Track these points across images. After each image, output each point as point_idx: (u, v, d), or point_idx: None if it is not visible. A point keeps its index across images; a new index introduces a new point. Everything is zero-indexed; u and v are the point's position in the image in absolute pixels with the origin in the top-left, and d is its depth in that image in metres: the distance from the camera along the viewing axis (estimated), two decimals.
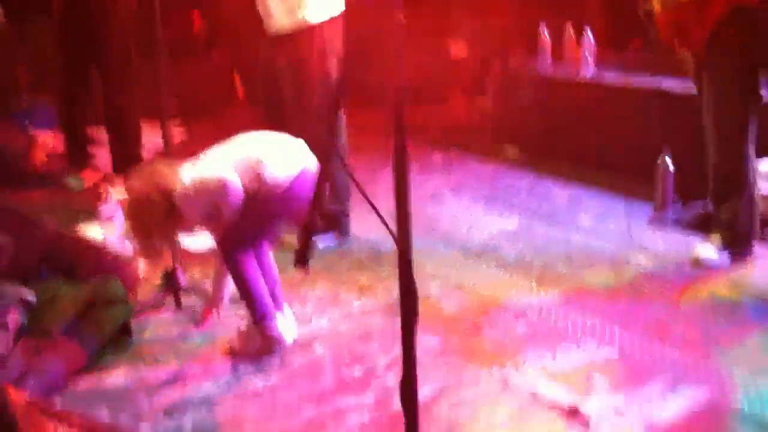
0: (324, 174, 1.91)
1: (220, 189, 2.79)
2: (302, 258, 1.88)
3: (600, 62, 5.21)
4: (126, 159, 5.08)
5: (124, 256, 3.47)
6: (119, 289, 3.13)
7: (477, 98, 7.24)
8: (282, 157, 2.92)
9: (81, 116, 5.30)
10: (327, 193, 3.72)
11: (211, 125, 6.42)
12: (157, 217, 2.81)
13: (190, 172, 2.87)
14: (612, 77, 5.04)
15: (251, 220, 2.90)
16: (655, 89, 4.67)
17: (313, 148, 3.99)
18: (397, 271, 1.71)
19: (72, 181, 5.19)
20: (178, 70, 5.98)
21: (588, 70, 5.15)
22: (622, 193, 4.62)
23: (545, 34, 5.44)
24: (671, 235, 4.06)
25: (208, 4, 7.27)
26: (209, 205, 2.84)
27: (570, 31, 5.38)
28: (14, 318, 2.92)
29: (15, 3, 6.81)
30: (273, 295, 3.07)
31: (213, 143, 3.01)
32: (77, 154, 5.35)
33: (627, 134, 4.79)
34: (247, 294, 2.97)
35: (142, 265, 3.44)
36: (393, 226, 1.74)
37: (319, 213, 1.86)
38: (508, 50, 6.07)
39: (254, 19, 4.04)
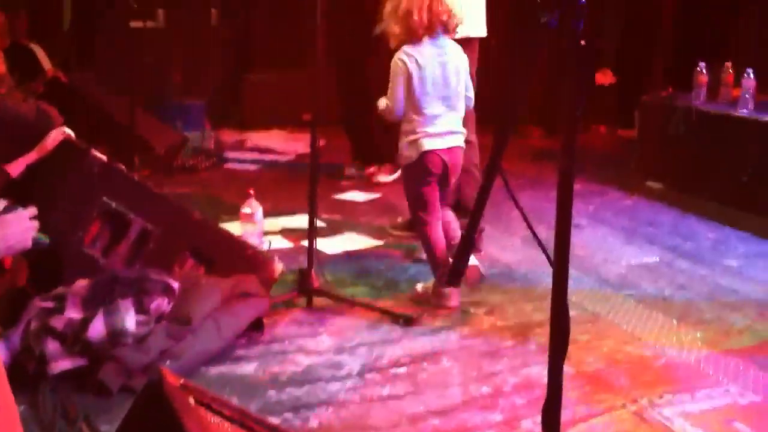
0: (485, 191, 1.88)
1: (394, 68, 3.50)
2: (455, 274, 1.87)
3: (757, 105, 5.02)
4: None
5: (262, 253, 3.54)
6: (256, 286, 3.20)
7: (620, 129, 7.11)
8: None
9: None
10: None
11: None
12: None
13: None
14: None
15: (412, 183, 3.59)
16: None
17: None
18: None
19: None
20: None
21: (747, 106, 4.95)
22: None
23: (704, 70, 5.30)
24: None
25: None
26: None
27: (729, 69, 5.25)
28: (158, 304, 3.03)
29: (175, 7, 7.16)
30: (449, 246, 3.56)
31: None
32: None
33: None
34: (426, 250, 3.61)
35: (278, 265, 3.50)
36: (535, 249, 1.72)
37: (474, 230, 1.85)
38: (659, 83, 5.94)
39: None
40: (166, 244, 3.33)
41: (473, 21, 4.02)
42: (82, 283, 3.02)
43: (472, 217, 1.96)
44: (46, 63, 5.77)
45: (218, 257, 3.37)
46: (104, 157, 3.34)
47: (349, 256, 4.17)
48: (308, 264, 3.50)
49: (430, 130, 3.52)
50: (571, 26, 1.77)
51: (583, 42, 1.82)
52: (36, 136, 3.29)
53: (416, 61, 3.47)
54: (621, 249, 4.36)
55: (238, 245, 3.47)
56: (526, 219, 1.90)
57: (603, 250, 4.33)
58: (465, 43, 4.00)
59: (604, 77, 7.05)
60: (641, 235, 4.58)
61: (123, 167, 3.47)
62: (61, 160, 3.29)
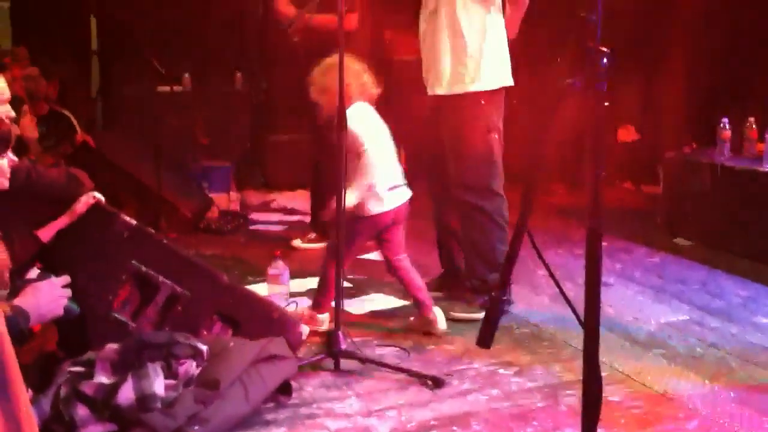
0: (513, 251, 1.89)
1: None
2: (486, 337, 1.87)
3: None
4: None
5: (289, 315, 3.54)
6: (283, 348, 3.19)
7: (644, 185, 7.09)
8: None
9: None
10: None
11: None
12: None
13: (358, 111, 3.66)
14: None
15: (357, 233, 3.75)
16: None
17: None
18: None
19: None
20: None
21: None
22: None
23: (727, 126, 5.31)
24: None
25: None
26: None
27: (753, 125, 5.27)
28: (186, 368, 3.02)
29: (201, 71, 7.30)
30: (417, 300, 3.87)
31: None
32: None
33: None
34: (324, 285, 3.86)
35: (305, 327, 3.50)
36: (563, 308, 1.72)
37: (504, 292, 1.86)
38: (682, 139, 5.95)
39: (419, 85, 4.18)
40: (195, 308, 3.34)
41: (501, 70, 4.05)
42: (111, 348, 3.03)
43: (501, 277, 1.96)
44: (77, 128, 5.88)
45: (245, 320, 3.38)
46: (133, 222, 3.37)
47: (375, 316, 4.16)
48: (335, 325, 3.50)
49: (390, 182, 3.75)
50: (595, 88, 1.80)
51: (607, 103, 1.86)
52: (66, 200, 3.33)
53: (363, 119, 3.71)
54: (650, 307, 4.31)
55: (265, 307, 3.47)
56: (554, 278, 1.90)
57: (632, 308, 4.29)
58: (495, 93, 4.02)
59: (627, 134, 7.06)
60: (670, 293, 4.53)
61: (152, 231, 3.50)
62: (91, 225, 3.32)
